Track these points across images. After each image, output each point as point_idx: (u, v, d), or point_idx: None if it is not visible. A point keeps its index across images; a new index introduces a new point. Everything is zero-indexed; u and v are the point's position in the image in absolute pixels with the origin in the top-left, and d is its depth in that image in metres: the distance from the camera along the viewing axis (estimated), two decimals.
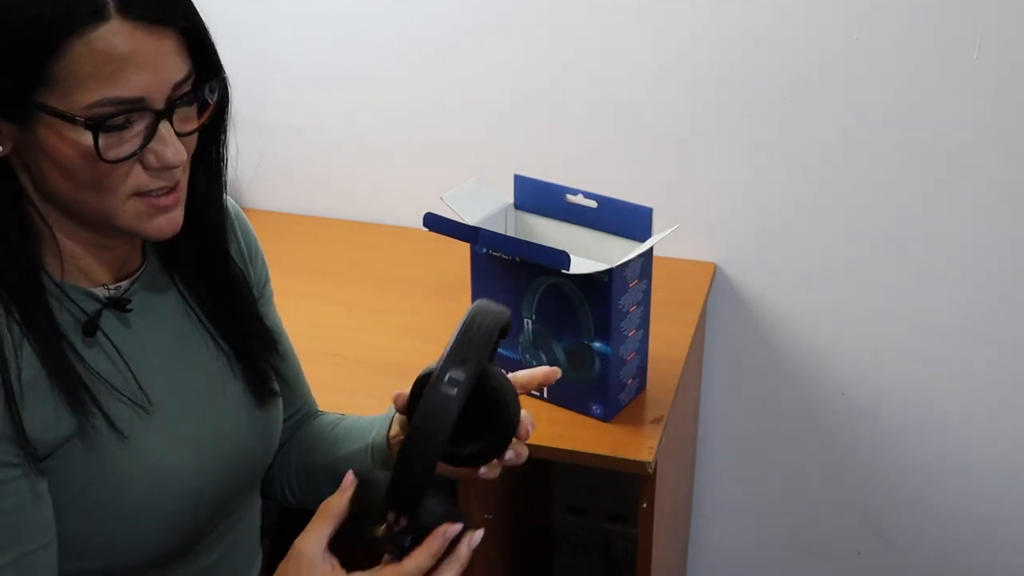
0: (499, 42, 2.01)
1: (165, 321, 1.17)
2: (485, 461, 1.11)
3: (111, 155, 1.00)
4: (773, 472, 2.19)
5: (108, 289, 1.13)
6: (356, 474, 1.05)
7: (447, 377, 0.99)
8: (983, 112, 1.82)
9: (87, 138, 0.98)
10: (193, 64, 1.04)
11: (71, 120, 0.98)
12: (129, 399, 1.10)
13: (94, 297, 1.11)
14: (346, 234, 2.19)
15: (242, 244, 1.28)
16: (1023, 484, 2.06)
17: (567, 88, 2.00)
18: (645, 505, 1.63)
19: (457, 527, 1.02)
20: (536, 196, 1.69)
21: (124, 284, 1.14)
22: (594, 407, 1.63)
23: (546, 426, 1.62)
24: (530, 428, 1.12)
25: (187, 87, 1.03)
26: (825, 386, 2.09)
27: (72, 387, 1.05)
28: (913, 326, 2.00)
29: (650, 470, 1.56)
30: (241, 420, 1.22)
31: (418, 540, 1.00)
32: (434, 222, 1.58)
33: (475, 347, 1.02)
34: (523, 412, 1.11)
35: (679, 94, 1.95)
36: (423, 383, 1.07)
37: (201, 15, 1.06)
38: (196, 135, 1.08)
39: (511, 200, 1.71)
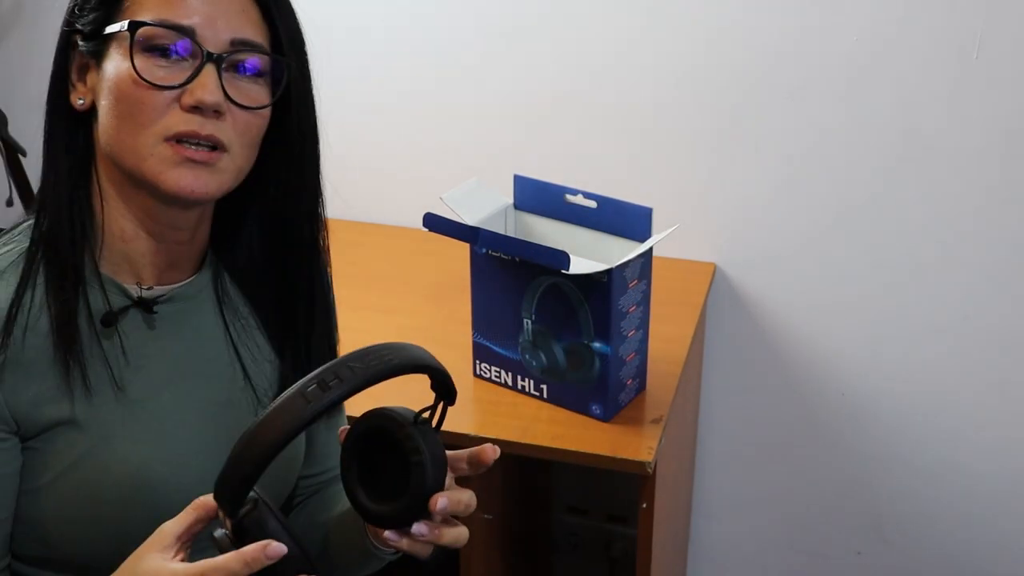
0: (500, 45, 2.01)
1: (194, 336, 1.16)
2: (389, 525, 1.01)
3: (147, 73, 1.01)
4: (773, 472, 2.19)
5: (141, 288, 1.11)
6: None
7: (308, 389, 0.90)
8: (982, 112, 1.83)
9: (135, 60, 1.01)
10: (271, 45, 1.07)
11: (119, 30, 1.01)
12: (125, 399, 1.09)
13: (126, 293, 1.11)
14: (345, 235, 2.19)
15: None
16: (1023, 484, 2.05)
17: (567, 89, 2.01)
18: (645, 505, 1.63)
19: (279, 547, 0.91)
20: (536, 196, 1.69)
21: (163, 288, 1.13)
22: (594, 407, 1.62)
23: (546, 426, 1.62)
24: (446, 506, 0.99)
25: (248, 52, 1.05)
26: (825, 386, 2.08)
27: (72, 370, 1.05)
28: (913, 326, 2.00)
29: (650, 470, 1.56)
30: None
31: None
32: (434, 222, 1.58)
33: (360, 374, 0.92)
34: (453, 492, 1.01)
35: (679, 95, 1.95)
36: (372, 418, 1.01)
37: (291, 9, 1.09)
38: (254, 121, 1.07)
39: (511, 200, 1.71)
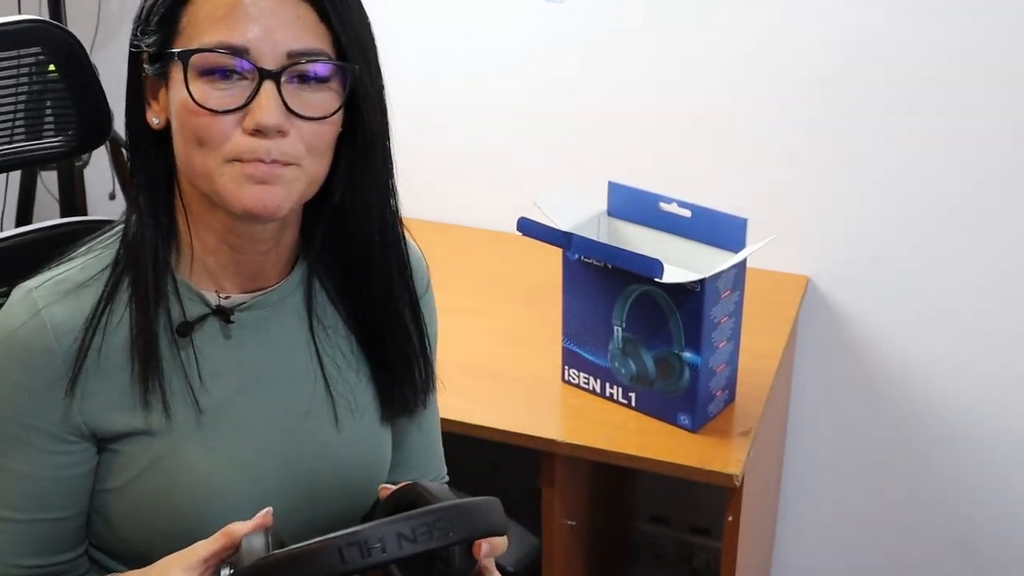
0: (597, 52, 2.01)
1: (273, 343, 1.14)
2: None
3: (205, 99, 0.99)
4: (861, 491, 2.16)
5: (220, 297, 1.11)
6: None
7: (347, 546, 0.87)
8: None
9: (191, 88, 0.99)
10: (335, 48, 1.03)
11: (173, 58, 1.00)
12: (200, 407, 1.09)
13: (205, 301, 1.10)
14: (437, 236, 2.20)
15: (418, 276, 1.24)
16: None
17: (663, 97, 2.00)
18: (731, 518, 1.62)
19: None
20: (630, 204, 1.69)
21: (242, 296, 1.12)
22: (682, 417, 1.62)
23: (633, 435, 1.62)
24: None
25: (308, 62, 1.01)
26: (917, 406, 2.05)
27: (149, 379, 1.06)
28: (1012, 349, 1.96)
29: (737, 483, 1.55)
30: (325, 461, 1.16)
31: None
32: (528, 227, 1.59)
33: (407, 548, 0.88)
34: None
35: (777, 104, 1.94)
36: (407, 495, 1.01)
37: (355, 6, 1.05)
38: (324, 128, 1.04)
39: (604, 207, 1.71)
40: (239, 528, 0.97)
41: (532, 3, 2.01)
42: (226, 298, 1.11)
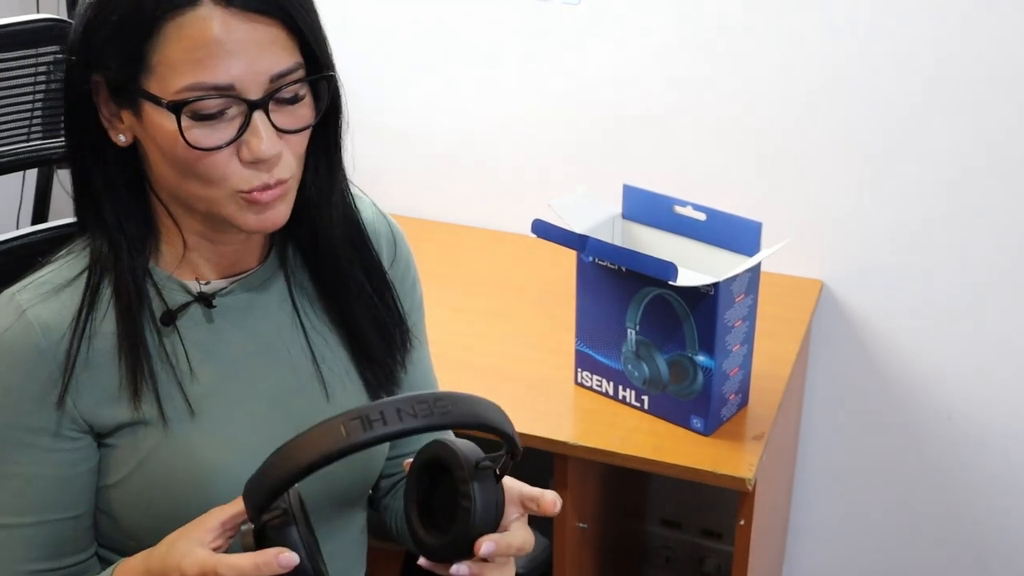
0: (613, 52, 2.01)
1: (258, 324, 1.16)
2: (430, 557, 1.05)
3: (199, 142, 0.99)
4: (874, 497, 2.15)
5: (201, 284, 1.12)
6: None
7: (351, 422, 0.90)
8: None
9: (185, 133, 0.99)
10: (305, 60, 1.03)
11: (160, 104, 0.98)
12: (191, 393, 1.10)
13: (187, 290, 1.12)
14: (450, 238, 2.21)
15: (381, 244, 1.25)
16: None
17: (678, 100, 2.00)
18: (743, 522, 1.62)
19: (291, 557, 0.93)
20: (644, 207, 1.69)
21: (223, 282, 1.14)
22: (695, 420, 1.62)
23: (645, 438, 1.62)
24: (491, 551, 1.00)
25: (289, 81, 1.01)
26: (931, 411, 2.05)
27: (137, 370, 1.07)
28: None
29: (750, 487, 1.55)
30: None
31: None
32: (542, 229, 1.59)
33: (407, 422, 0.91)
34: (504, 536, 1.03)
35: (792, 108, 1.94)
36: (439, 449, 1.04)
37: (316, 12, 1.05)
38: (306, 135, 1.06)
39: (619, 210, 1.71)
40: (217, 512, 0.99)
41: (548, 5, 2.02)
42: (206, 284, 1.13)
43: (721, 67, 1.95)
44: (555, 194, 1.68)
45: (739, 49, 1.94)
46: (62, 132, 1.29)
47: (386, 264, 1.24)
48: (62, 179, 2.41)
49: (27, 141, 1.41)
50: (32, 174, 2.36)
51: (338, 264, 1.18)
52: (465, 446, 1.03)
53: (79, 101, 1.04)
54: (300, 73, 1.03)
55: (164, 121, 0.99)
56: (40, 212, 2.31)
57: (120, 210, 1.08)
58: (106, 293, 1.08)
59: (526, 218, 1.60)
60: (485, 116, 2.14)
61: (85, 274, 1.08)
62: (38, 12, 1.57)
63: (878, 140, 1.91)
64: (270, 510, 0.95)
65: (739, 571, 1.67)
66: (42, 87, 1.36)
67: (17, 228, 1.60)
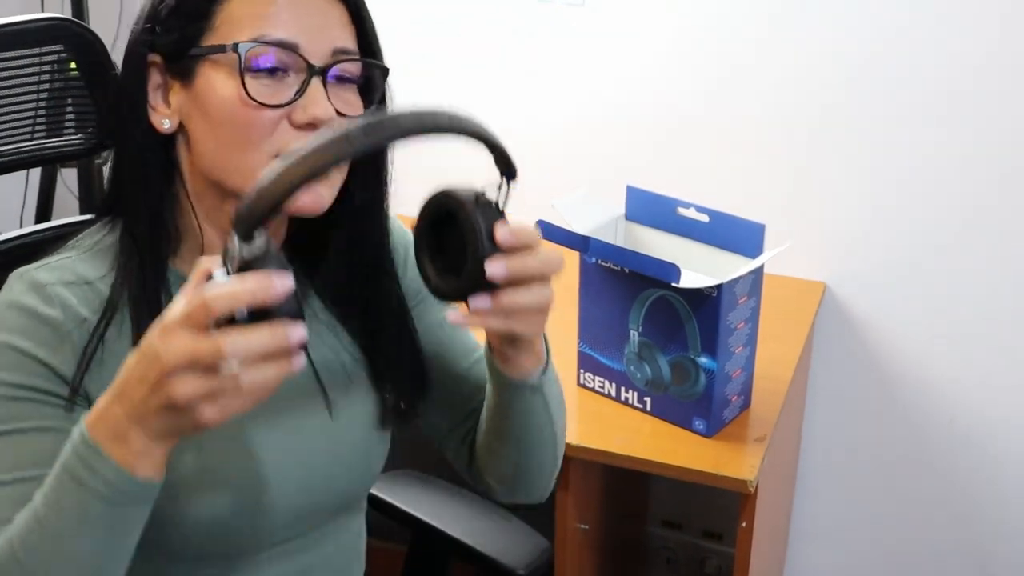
0: (618, 53, 2.02)
1: None
2: (454, 298, 0.99)
3: (259, 95, 0.99)
4: (875, 499, 2.16)
5: None
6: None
7: (352, 132, 0.85)
8: None
9: (237, 78, 0.98)
10: (361, 52, 1.05)
11: (224, 51, 0.98)
12: None
13: None
14: None
15: (400, 253, 1.24)
16: None
17: (682, 104, 2.01)
18: (744, 524, 1.62)
19: (288, 278, 0.82)
20: (647, 208, 1.69)
21: None
22: (697, 422, 1.62)
23: (648, 439, 1.62)
24: (503, 270, 0.94)
25: (351, 58, 1.03)
26: (933, 413, 2.05)
27: None
28: None
29: (751, 489, 1.55)
30: (320, 440, 1.16)
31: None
32: (546, 229, 1.58)
33: (405, 125, 0.88)
34: (513, 257, 0.96)
35: (795, 114, 1.95)
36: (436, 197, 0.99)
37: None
38: None
39: (622, 211, 1.71)
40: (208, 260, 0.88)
41: (553, 6, 2.02)
42: None
43: (726, 70, 1.96)
44: (558, 195, 1.68)
45: (744, 53, 1.94)
46: (66, 131, 1.29)
47: (409, 286, 1.23)
48: (65, 178, 2.42)
49: (31, 140, 1.41)
50: (36, 173, 2.36)
51: (365, 279, 1.16)
52: (462, 187, 0.99)
53: (137, 89, 1.04)
54: (357, 61, 1.04)
55: (222, 78, 0.99)
56: (43, 211, 2.31)
57: (150, 205, 1.06)
58: (126, 303, 1.06)
59: (529, 218, 1.59)
60: (488, 118, 2.13)
61: (107, 280, 1.06)
62: (42, 11, 1.57)
63: (881, 144, 1.91)
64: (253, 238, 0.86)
65: (740, 573, 1.66)
66: (46, 86, 1.36)
67: (21, 227, 1.61)
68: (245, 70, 0.99)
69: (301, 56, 1.00)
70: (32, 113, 1.40)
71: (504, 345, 1.09)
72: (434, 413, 1.26)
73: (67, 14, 1.88)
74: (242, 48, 0.98)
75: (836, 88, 1.91)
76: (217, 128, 1.01)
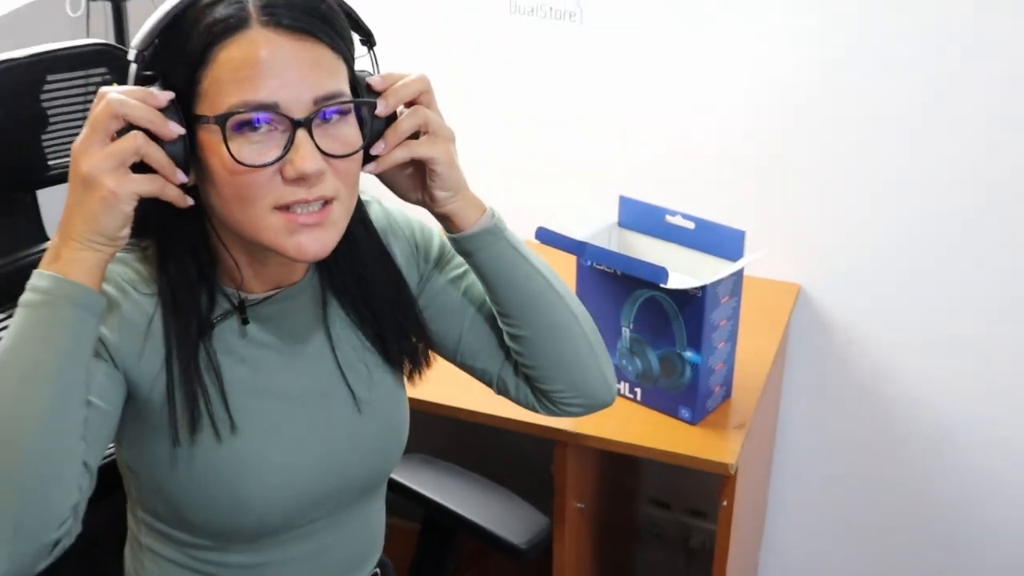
0: (614, 72, 2.00)
1: (292, 332, 1.12)
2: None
3: (245, 157, 0.94)
4: (844, 482, 2.14)
5: (241, 294, 1.09)
6: None
7: None
8: None
9: (230, 147, 0.95)
10: (347, 78, 1.00)
11: (207, 121, 0.94)
12: (230, 393, 1.08)
13: (228, 298, 1.09)
14: None
15: (406, 241, 1.21)
16: None
17: (671, 118, 1.99)
18: (725, 503, 1.62)
19: (154, 92, 0.95)
20: (638, 216, 1.69)
21: (260, 294, 1.10)
22: (683, 411, 1.61)
23: (638, 427, 1.62)
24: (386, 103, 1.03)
25: (333, 104, 0.97)
26: (900, 405, 2.03)
27: (186, 381, 1.05)
28: (995, 354, 1.93)
29: (732, 471, 1.55)
30: (342, 430, 1.16)
31: None
32: (546, 236, 1.59)
33: None
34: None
35: (772, 128, 1.93)
36: None
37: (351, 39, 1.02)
38: (353, 160, 1.00)
39: (615, 219, 1.71)
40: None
41: (550, 22, 1.99)
42: (247, 295, 1.09)
43: (712, 88, 1.94)
44: (558, 205, 1.68)
45: (722, 76, 1.92)
46: None
47: (417, 258, 1.21)
48: None
49: None
50: None
51: (363, 271, 1.15)
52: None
53: None
54: (345, 97, 0.98)
55: (213, 141, 0.95)
56: None
57: (182, 244, 1.05)
58: (167, 319, 1.05)
59: (532, 225, 1.59)
60: (496, 135, 2.13)
61: (154, 297, 1.05)
62: (88, 36, 1.58)
63: (853, 158, 1.89)
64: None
65: (722, 547, 1.67)
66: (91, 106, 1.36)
67: None
68: (229, 139, 0.94)
69: (282, 114, 0.94)
70: (79, 130, 1.40)
71: (437, 194, 1.09)
72: (478, 363, 1.23)
73: (110, 40, 1.87)
74: (223, 118, 0.94)
75: (811, 109, 1.89)
76: (218, 187, 0.97)
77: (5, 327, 1.32)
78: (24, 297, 0.95)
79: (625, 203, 1.70)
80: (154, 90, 0.95)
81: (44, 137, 1.32)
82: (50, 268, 0.95)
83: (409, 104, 1.06)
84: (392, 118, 1.05)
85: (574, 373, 1.20)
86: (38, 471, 0.93)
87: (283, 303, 1.11)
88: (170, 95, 0.95)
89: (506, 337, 1.20)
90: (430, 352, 1.22)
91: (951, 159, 1.84)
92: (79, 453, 0.96)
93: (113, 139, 0.94)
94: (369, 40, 1.05)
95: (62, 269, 0.94)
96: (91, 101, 0.97)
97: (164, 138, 0.95)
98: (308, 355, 1.14)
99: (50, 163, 1.34)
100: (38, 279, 0.95)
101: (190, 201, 0.98)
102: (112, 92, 0.94)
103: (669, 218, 1.65)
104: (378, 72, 1.05)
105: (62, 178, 1.36)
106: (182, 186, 0.98)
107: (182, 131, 0.95)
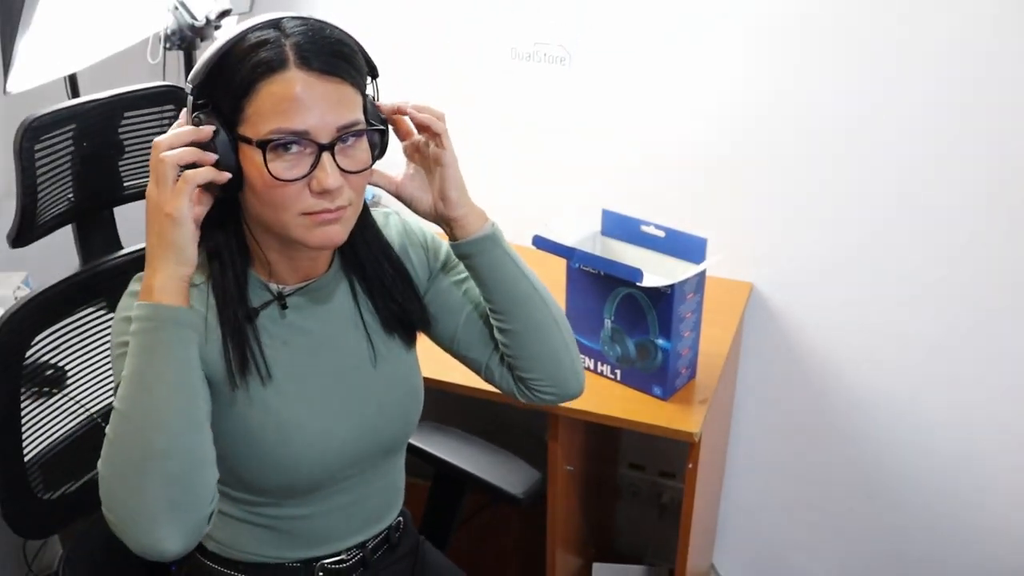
0: (597, 110, 1.97)
1: (325, 316, 1.15)
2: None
3: (280, 174, 0.99)
4: (790, 445, 2.13)
5: (279, 286, 1.13)
6: None
7: None
8: (987, 153, 1.72)
9: (269, 167, 0.99)
10: (362, 108, 1.04)
11: (251, 143, 0.99)
12: (273, 370, 1.11)
13: (267, 289, 1.13)
14: None
15: (420, 246, 1.24)
16: (976, 460, 1.99)
17: (647, 142, 1.96)
18: (691, 466, 1.62)
19: (200, 128, 1.01)
20: (618, 226, 1.69)
21: (294, 285, 1.14)
22: (655, 389, 1.62)
23: (618, 402, 1.61)
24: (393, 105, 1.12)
25: (352, 131, 1.02)
26: (836, 382, 2.03)
27: (232, 351, 1.08)
28: (907, 334, 1.92)
29: (696, 439, 1.55)
30: (370, 400, 1.18)
31: None
32: (541, 242, 1.59)
33: None
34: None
35: (732, 148, 1.90)
36: None
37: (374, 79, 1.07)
38: (365, 175, 1.05)
39: (599, 228, 1.71)
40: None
41: (544, 66, 1.96)
42: (283, 287, 1.13)
43: (677, 119, 1.92)
44: (551, 215, 1.68)
45: (684, 105, 1.89)
46: None
47: (428, 260, 1.24)
48: None
49: None
50: None
51: (372, 265, 1.19)
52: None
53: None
54: (362, 125, 1.04)
55: (255, 159, 1.00)
56: None
57: (228, 236, 1.10)
58: (215, 301, 1.09)
59: (529, 233, 1.60)
60: (492, 142, 2.10)
61: (207, 285, 1.10)
62: (163, 79, 1.60)
63: (792, 171, 1.87)
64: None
65: (688, 502, 1.66)
66: None
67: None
68: (267, 160, 0.99)
69: (311, 140, 0.99)
70: (148, 154, 1.43)
71: (450, 194, 1.13)
72: (471, 353, 1.25)
73: (181, 83, 1.91)
74: (264, 143, 0.99)
75: (762, 128, 1.85)
76: (257, 195, 1.02)
77: (88, 320, 1.37)
78: (133, 328, 1.01)
79: (607, 215, 1.70)
80: (200, 127, 1.00)
81: (121, 163, 1.36)
82: (147, 299, 1.01)
83: (421, 129, 1.13)
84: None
85: (550, 365, 1.22)
86: (191, 463, 0.99)
87: (314, 292, 1.15)
88: (212, 129, 1.00)
89: (495, 331, 1.23)
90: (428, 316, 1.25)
91: (888, 166, 1.78)
92: (211, 439, 1.03)
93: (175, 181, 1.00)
94: (373, 72, 1.09)
95: (156, 297, 1.00)
96: (160, 132, 1.02)
97: (205, 164, 1.01)
98: (339, 336, 1.17)
99: (125, 184, 1.38)
100: (140, 310, 1.01)
101: (227, 175, 1.01)
102: (165, 148, 1.00)
103: (644, 227, 1.65)
104: (378, 98, 1.11)
105: (135, 197, 1.40)
106: (223, 199, 1.04)
107: (215, 158, 1.01)
